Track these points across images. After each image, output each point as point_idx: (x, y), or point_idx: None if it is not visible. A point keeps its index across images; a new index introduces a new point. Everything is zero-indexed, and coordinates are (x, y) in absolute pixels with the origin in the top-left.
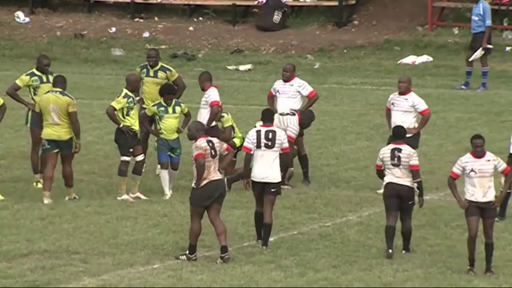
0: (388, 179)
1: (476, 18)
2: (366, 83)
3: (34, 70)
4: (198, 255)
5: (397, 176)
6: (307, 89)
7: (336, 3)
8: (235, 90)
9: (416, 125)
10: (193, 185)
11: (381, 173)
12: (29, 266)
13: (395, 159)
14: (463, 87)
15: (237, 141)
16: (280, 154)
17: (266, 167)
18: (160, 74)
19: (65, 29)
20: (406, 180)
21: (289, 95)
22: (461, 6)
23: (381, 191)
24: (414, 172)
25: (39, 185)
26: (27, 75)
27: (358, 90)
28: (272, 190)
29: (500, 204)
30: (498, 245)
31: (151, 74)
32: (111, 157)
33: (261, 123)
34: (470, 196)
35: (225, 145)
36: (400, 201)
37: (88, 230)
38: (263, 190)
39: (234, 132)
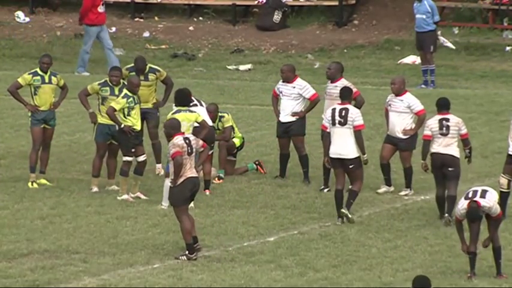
0: (433, 149)
1: (424, 17)
2: (366, 82)
3: (38, 70)
4: (198, 255)
5: (443, 146)
6: (308, 91)
7: (336, 3)
8: (235, 90)
9: (413, 126)
10: (169, 184)
11: (427, 144)
12: (29, 266)
13: (444, 128)
14: (422, 86)
15: (236, 141)
16: (354, 132)
17: (341, 144)
18: (151, 76)
19: (65, 29)
20: (451, 149)
21: (291, 97)
22: (461, 6)
23: (381, 190)
24: (465, 140)
25: (35, 185)
26: (29, 74)
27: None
28: (350, 166)
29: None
30: (500, 245)
31: (142, 77)
32: None
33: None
34: None
35: (200, 142)
36: (443, 169)
37: (88, 230)
38: (342, 166)
39: (233, 132)
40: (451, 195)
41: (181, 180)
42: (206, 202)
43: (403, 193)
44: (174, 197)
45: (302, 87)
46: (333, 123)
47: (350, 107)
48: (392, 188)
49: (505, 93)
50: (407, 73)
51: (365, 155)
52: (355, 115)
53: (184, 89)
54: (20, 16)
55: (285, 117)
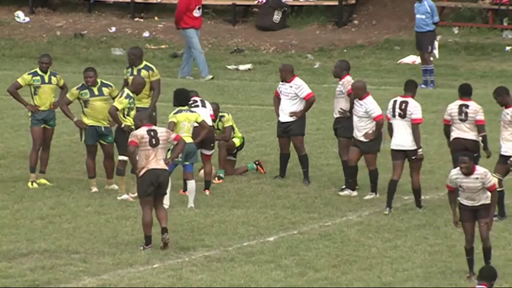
0: (455, 134)
1: (424, 17)
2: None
3: (37, 70)
4: (198, 255)
5: (463, 131)
6: (303, 91)
7: (336, 3)
8: (235, 90)
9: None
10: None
11: (447, 128)
12: (29, 266)
13: (463, 114)
14: (422, 86)
15: (236, 141)
16: (411, 125)
17: (403, 136)
18: (144, 72)
19: (65, 29)
20: (472, 134)
21: (289, 97)
22: (461, 6)
23: (343, 193)
24: (480, 127)
25: (35, 185)
26: (29, 74)
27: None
28: (413, 157)
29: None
30: (498, 244)
31: (135, 72)
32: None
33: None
34: (462, 200)
35: (173, 135)
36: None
37: (88, 230)
38: (403, 158)
39: (233, 132)
40: None
41: (143, 171)
42: (206, 202)
43: (367, 197)
44: (137, 187)
45: (298, 86)
46: (393, 115)
47: (410, 100)
48: (355, 193)
49: None
50: (407, 73)
51: (420, 150)
52: (413, 108)
53: (182, 88)
54: (20, 16)
55: (284, 117)
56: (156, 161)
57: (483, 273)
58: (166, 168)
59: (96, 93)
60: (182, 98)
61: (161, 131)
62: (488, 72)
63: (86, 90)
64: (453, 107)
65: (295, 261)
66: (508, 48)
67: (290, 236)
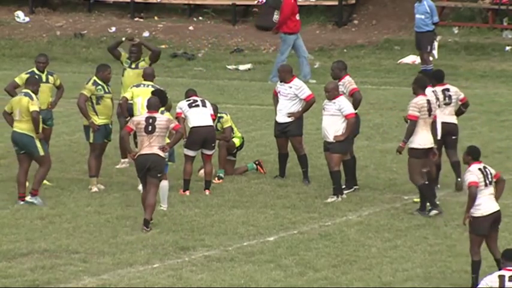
0: (438, 118)
1: (423, 17)
2: (365, 82)
3: (34, 69)
4: (198, 255)
5: (447, 115)
6: (304, 92)
7: (336, 3)
8: (235, 90)
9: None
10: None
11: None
12: (29, 266)
13: (447, 98)
14: None
15: (236, 141)
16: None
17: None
18: (142, 63)
19: (65, 29)
20: (453, 118)
21: (288, 97)
22: (461, 6)
23: (329, 200)
24: (466, 103)
25: None
26: (26, 73)
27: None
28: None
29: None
30: (498, 244)
31: (133, 66)
32: (111, 157)
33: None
34: None
35: (173, 124)
36: (447, 137)
37: (88, 230)
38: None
39: (233, 133)
40: (455, 161)
41: (136, 157)
42: (206, 202)
43: (329, 200)
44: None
45: (298, 87)
46: (429, 115)
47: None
48: (340, 198)
49: (505, 93)
50: (407, 73)
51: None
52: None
53: (163, 90)
54: (20, 16)
55: (282, 117)
56: (149, 147)
57: (507, 255)
58: (158, 153)
59: (107, 89)
60: (166, 99)
61: (161, 119)
62: (488, 72)
63: (100, 87)
64: (439, 93)
65: (295, 261)
66: (508, 48)
67: (290, 236)
